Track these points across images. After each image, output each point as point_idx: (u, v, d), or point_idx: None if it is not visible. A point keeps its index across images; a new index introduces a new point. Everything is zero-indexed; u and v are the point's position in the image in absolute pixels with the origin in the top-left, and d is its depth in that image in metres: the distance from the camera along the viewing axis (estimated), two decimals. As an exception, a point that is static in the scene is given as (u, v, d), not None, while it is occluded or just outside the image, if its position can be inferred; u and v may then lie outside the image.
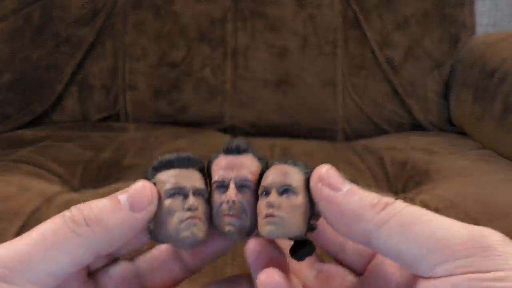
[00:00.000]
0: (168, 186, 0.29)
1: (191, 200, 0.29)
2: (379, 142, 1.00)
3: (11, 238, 0.57)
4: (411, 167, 0.85)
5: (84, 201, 0.68)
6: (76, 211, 0.27)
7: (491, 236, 0.22)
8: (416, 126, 1.11)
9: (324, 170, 0.26)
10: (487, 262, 0.21)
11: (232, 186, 0.29)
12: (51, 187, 0.72)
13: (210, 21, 1.10)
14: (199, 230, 0.29)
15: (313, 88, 1.10)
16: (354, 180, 0.34)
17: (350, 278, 0.28)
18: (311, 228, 0.27)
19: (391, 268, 0.27)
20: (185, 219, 0.28)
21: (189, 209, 0.29)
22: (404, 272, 0.26)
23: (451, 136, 1.06)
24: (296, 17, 1.11)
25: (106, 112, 1.09)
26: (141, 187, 0.28)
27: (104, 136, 0.98)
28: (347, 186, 0.25)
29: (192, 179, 0.30)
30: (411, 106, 1.10)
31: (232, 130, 1.09)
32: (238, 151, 0.30)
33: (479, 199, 0.67)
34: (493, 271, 0.20)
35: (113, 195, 0.28)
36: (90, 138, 0.96)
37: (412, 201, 0.72)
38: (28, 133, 1.00)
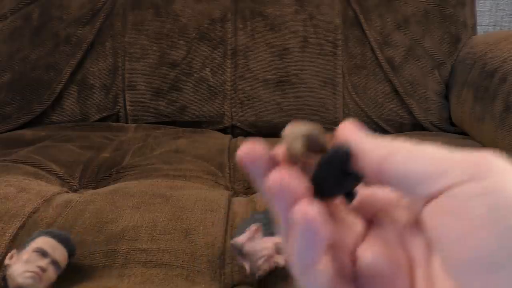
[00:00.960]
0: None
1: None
2: (379, 142, 1.00)
3: (10, 239, 0.57)
4: (411, 167, 0.85)
5: (84, 201, 0.68)
6: None
7: (489, 155, 0.23)
8: (416, 126, 1.10)
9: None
10: (485, 175, 0.22)
11: None
12: (51, 188, 0.72)
13: (210, 21, 1.10)
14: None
15: (313, 88, 1.10)
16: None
17: (359, 224, 0.28)
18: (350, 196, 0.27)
19: (398, 212, 0.27)
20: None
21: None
22: (410, 210, 0.27)
23: (452, 136, 1.06)
24: (296, 17, 1.10)
25: (106, 112, 1.09)
26: None
27: (103, 136, 0.98)
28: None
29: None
30: (411, 106, 1.10)
31: (232, 130, 1.09)
32: None
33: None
34: (487, 181, 0.22)
35: None
36: (89, 138, 0.96)
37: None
38: (28, 133, 1.00)
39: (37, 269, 0.45)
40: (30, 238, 0.50)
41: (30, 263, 0.46)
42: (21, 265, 0.46)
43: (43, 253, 0.47)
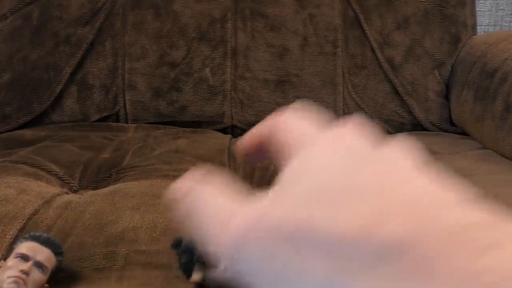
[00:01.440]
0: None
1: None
2: (379, 142, 1.00)
3: (10, 241, 0.57)
4: (411, 167, 0.85)
5: (84, 202, 0.68)
6: None
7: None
8: (417, 126, 1.10)
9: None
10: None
11: None
12: (50, 189, 0.72)
13: (210, 21, 1.10)
14: None
15: (313, 88, 1.10)
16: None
17: None
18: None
19: None
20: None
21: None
22: None
23: (452, 136, 1.05)
24: (296, 17, 1.10)
25: (106, 112, 1.09)
26: None
27: (103, 136, 0.98)
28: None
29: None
30: (412, 106, 1.10)
31: (232, 130, 1.09)
32: None
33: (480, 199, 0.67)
34: None
35: None
36: (89, 139, 0.96)
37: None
38: (28, 133, 1.00)
39: (19, 273, 0.47)
40: (15, 246, 0.52)
41: (12, 269, 0.48)
42: (5, 272, 0.48)
43: (24, 257, 0.49)
